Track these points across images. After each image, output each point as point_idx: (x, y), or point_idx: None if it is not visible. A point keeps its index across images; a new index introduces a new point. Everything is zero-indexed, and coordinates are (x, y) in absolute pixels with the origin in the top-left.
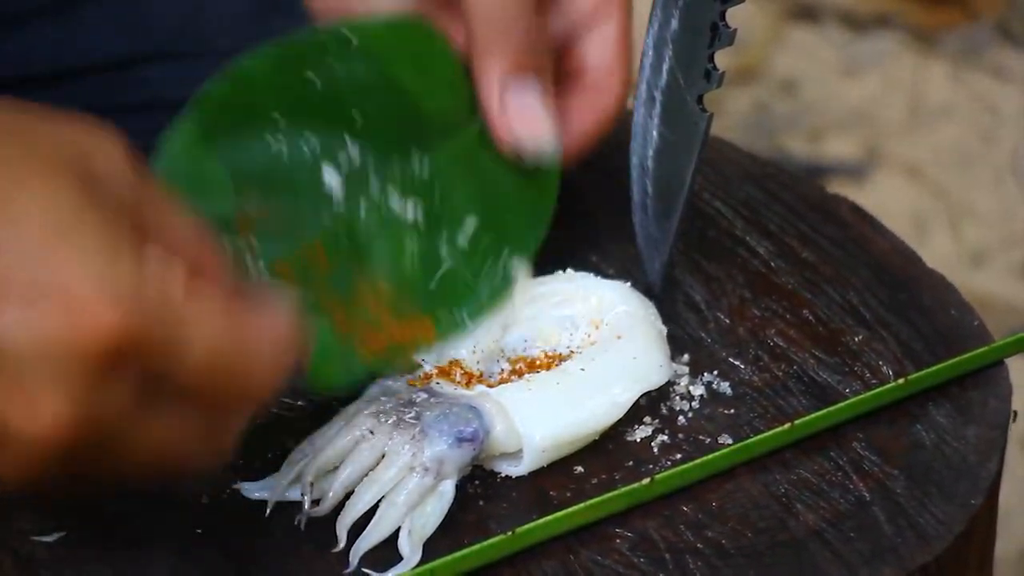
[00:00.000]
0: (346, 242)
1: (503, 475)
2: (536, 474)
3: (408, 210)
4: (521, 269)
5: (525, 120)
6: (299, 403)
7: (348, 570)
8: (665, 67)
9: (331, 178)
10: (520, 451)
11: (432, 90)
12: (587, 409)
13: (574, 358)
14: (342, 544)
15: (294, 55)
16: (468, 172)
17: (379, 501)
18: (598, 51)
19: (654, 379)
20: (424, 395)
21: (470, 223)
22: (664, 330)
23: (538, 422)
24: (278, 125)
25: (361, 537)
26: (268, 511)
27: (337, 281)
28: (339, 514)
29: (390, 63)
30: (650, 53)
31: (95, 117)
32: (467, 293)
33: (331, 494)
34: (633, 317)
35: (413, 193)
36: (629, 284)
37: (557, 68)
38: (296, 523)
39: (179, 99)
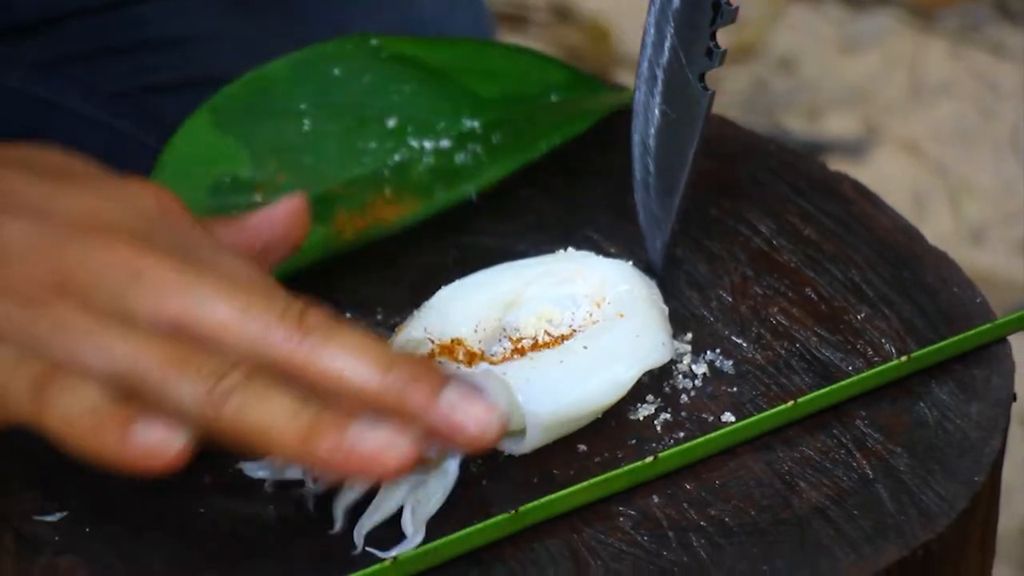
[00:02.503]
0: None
1: (506, 454)
2: (539, 453)
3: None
4: None
5: None
6: None
7: (355, 551)
8: (667, 45)
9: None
10: (522, 429)
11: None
12: (590, 387)
13: (576, 336)
14: (339, 524)
15: (316, 57)
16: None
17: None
18: None
19: (656, 357)
20: None
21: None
22: (666, 309)
23: (541, 400)
24: (303, 111)
25: (364, 516)
26: (268, 487)
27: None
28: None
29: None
30: (651, 31)
31: (88, 64)
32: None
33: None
34: (635, 295)
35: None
36: (631, 263)
37: None
38: (300, 503)
39: (171, 38)
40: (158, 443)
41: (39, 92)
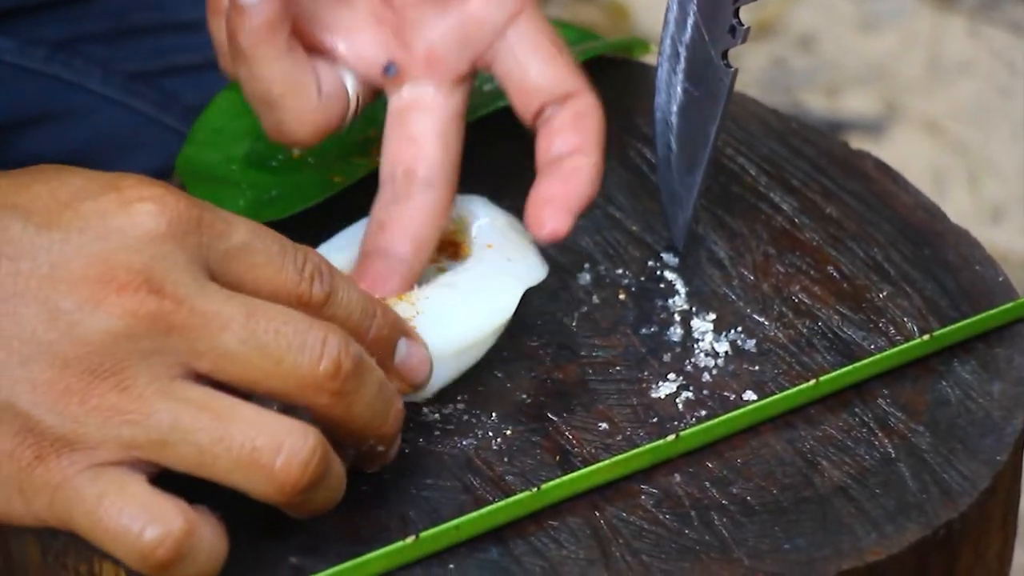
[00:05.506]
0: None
1: (524, 432)
2: (559, 431)
3: None
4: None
5: None
6: None
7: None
8: (689, 22)
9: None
10: None
11: None
12: (478, 315)
13: (449, 272)
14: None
15: None
16: None
17: None
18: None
19: (534, 275)
20: None
21: None
22: (531, 236)
23: (438, 338)
24: None
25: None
26: None
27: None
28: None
29: None
30: (674, 8)
31: (108, 44)
32: None
33: None
34: (497, 226)
35: None
36: (485, 198)
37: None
38: None
39: (190, 20)
40: None
41: (59, 72)
